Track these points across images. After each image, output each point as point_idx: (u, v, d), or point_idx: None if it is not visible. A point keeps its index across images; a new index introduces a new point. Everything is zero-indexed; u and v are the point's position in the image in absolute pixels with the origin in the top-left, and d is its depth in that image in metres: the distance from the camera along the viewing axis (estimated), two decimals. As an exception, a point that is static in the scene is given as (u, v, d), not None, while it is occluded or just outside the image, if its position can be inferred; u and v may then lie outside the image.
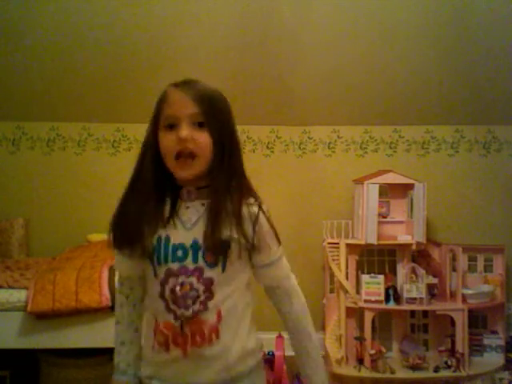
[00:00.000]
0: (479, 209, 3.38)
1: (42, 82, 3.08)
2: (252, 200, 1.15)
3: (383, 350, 2.89)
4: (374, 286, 2.94)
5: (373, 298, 2.92)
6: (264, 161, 3.37)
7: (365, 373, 2.82)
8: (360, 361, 2.88)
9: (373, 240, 2.94)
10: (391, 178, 3.02)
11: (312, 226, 3.30)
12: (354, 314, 2.97)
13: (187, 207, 1.13)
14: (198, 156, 1.09)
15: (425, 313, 3.08)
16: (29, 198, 3.31)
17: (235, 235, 1.10)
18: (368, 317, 2.88)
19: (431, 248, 3.13)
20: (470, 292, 2.96)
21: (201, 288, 1.10)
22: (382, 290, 2.93)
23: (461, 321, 2.84)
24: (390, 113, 3.32)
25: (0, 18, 2.78)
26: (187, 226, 1.12)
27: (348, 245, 3.00)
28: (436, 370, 2.83)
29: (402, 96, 3.20)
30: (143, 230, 1.10)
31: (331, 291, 3.15)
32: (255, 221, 1.13)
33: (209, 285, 1.10)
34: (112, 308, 2.31)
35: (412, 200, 3.03)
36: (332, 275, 3.07)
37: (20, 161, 3.33)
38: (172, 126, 1.09)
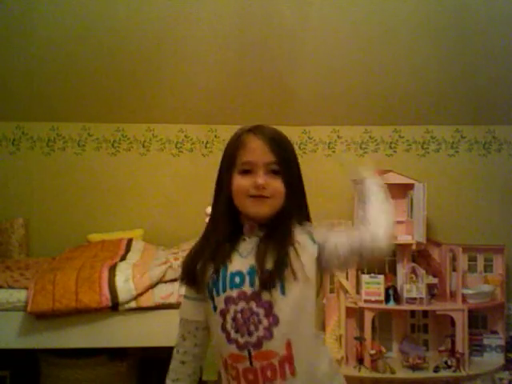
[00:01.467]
0: (479, 209, 3.37)
1: (42, 82, 3.09)
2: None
3: (383, 350, 2.88)
4: (374, 285, 2.94)
5: (373, 298, 2.92)
6: (264, 161, 3.36)
7: (365, 373, 2.82)
8: (360, 361, 2.87)
9: (373, 240, 2.93)
10: (391, 178, 3.01)
11: (312, 226, 3.30)
12: (354, 314, 2.97)
13: (244, 239, 1.18)
14: (271, 199, 1.15)
15: (425, 313, 3.08)
16: (29, 198, 3.31)
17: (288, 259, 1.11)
18: (368, 317, 2.88)
19: (431, 248, 3.13)
20: (470, 292, 2.96)
21: (261, 312, 1.10)
22: (382, 290, 2.93)
23: (461, 321, 2.84)
24: (390, 113, 3.32)
25: (0, 18, 2.78)
26: (243, 255, 1.15)
27: (348, 245, 2.99)
28: (436, 370, 2.83)
29: (402, 96, 3.20)
30: (208, 267, 1.15)
31: (331, 291, 3.15)
32: (310, 230, 1.18)
33: (268, 308, 1.10)
34: (112, 308, 2.32)
35: (412, 200, 3.02)
36: (332, 275, 3.07)
37: (20, 161, 3.33)
38: (247, 171, 1.15)
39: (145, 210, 3.32)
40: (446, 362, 2.84)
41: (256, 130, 1.20)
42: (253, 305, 1.10)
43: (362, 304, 2.91)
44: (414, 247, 2.97)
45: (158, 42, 2.91)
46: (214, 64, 3.02)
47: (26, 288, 2.36)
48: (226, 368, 1.14)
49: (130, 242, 2.94)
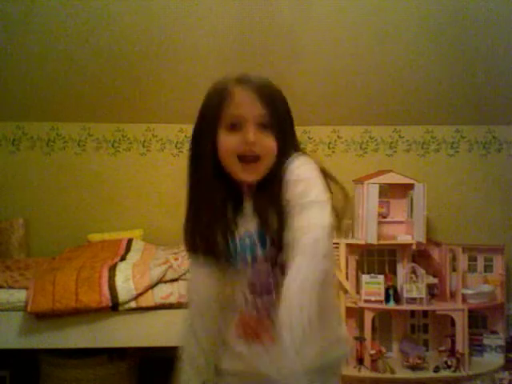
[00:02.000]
0: (479, 209, 3.38)
1: (42, 82, 3.08)
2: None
3: (383, 350, 2.89)
4: (374, 285, 2.94)
5: (373, 298, 2.92)
6: (264, 161, 3.36)
7: (365, 373, 2.82)
8: (360, 361, 2.87)
9: (373, 240, 2.93)
10: (391, 178, 3.01)
11: (312, 226, 3.30)
12: (354, 314, 2.97)
13: (248, 204, 1.09)
14: (262, 159, 1.04)
15: (425, 313, 3.08)
16: (29, 197, 3.31)
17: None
18: (368, 317, 2.88)
19: (431, 248, 3.13)
20: (470, 292, 2.96)
21: (278, 273, 1.03)
22: (382, 290, 2.93)
23: (461, 321, 2.84)
24: (390, 113, 3.32)
25: (0, 18, 2.78)
26: (248, 216, 1.07)
27: (348, 245, 3.00)
28: (436, 370, 2.83)
29: (402, 96, 3.20)
30: (217, 235, 1.07)
31: (331, 291, 3.14)
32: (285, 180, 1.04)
33: (284, 267, 1.00)
34: (112, 308, 2.32)
35: (412, 200, 3.02)
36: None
37: (20, 161, 3.33)
38: (234, 126, 1.04)
39: (145, 209, 3.31)
40: (446, 362, 2.84)
41: (243, 79, 1.08)
42: (268, 268, 1.05)
43: (362, 304, 2.91)
44: (414, 247, 2.97)
45: (158, 42, 2.91)
46: (214, 64, 3.01)
47: (26, 288, 2.36)
48: (239, 327, 1.10)
49: (130, 242, 2.94)
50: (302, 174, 1.03)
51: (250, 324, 1.08)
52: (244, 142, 1.02)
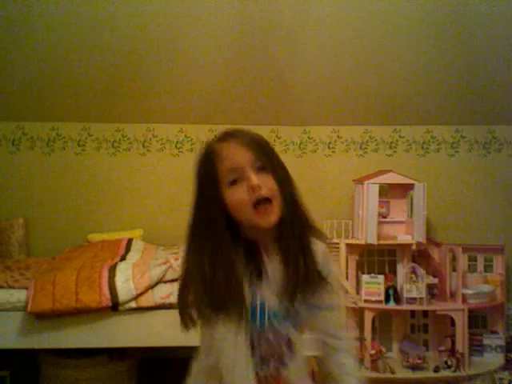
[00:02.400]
0: (479, 209, 3.38)
1: (42, 82, 3.08)
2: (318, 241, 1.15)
3: (383, 350, 2.89)
4: (374, 285, 2.94)
5: (373, 298, 2.92)
6: (264, 161, 3.36)
7: (365, 373, 2.82)
8: (360, 361, 2.87)
9: (373, 240, 2.94)
10: (391, 178, 3.02)
11: (312, 226, 3.30)
12: (354, 314, 2.97)
13: (268, 263, 1.10)
14: (272, 199, 1.06)
15: (425, 313, 3.08)
16: (29, 198, 3.31)
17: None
18: (368, 317, 2.88)
19: (431, 248, 3.13)
20: (470, 292, 2.96)
21: (285, 349, 1.10)
22: (382, 290, 2.93)
23: (461, 321, 2.84)
24: (390, 113, 3.32)
25: (0, 18, 2.78)
26: (274, 288, 1.09)
27: (348, 245, 3.00)
28: (436, 370, 2.83)
29: (402, 96, 3.20)
30: (239, 291, 1.06)
31: (331, 291, 3.14)
32: (325, 260, 1.13)
33: (291, 346, 1.11)
34: (112, 308, 2.32)
35: (412, 200, 3.03)
36: (332, 275, 3.07)
37: (20, 161, 3.33)
38: (235, 181, 1.05)
39: (145, 209, 3.31)
40: (446, 362, 2.84)
41: (224, 137, 1.10)
42: (282, 344, 1.10)
43: (362, 304, 2.91)
44: (414, 247, 2.97)
45: (158, 42, 2.91)
46: (214, 64, 3.02)
47: (26, 288, 2.36)
48: None
49: (129, 242, 2.95)
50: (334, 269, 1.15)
51: None
52: (251, 189, 1.03)
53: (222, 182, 1.06)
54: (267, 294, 1.08)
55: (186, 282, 1.10)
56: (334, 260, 1.16)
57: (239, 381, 1.06)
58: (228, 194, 1.05)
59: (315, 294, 1.11)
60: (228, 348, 1.06)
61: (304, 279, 1.07)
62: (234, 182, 1.05)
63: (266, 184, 1.05)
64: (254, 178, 1.03)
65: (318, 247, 1.13)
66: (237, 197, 1.04)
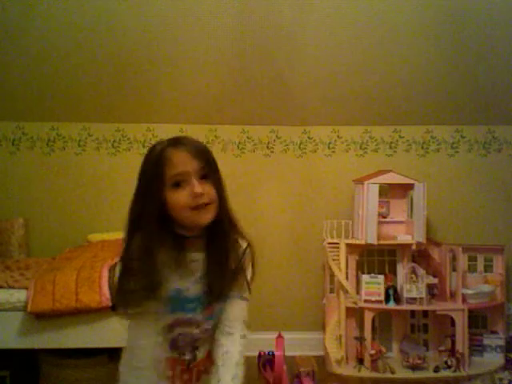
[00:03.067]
0: (479, 209, 3.38)
1: (42, 82, 3.08)
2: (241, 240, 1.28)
3: (383, 350, 2.89)
4: (373, 285, 2.94)
5: (373, 298, 2.92)
6: (264, 161, 3.36)
7: (365, 373, 2.83)
8: (360, 361, 2.88)
9: (373, 240, 2.94)
10: (391, 178, 3.02)
11: (312, 226, 3.30)
12: (354, 314, 2.97)
13: (192, 258, 1.22)
14: (211, 204, 1.20)
15: (425, 313, 3.08)
16: (29, 197, 3.31)
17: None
18: (368, 317, 2.88)
19: (431, 248, 3.13)
20: (470, 292, 2.96)
21: (202, 336, 1.26)
22: (382, 290, 2.93)
23: (461, 321, 2.84)
24: (390, 113, 3.31)
25: (0, 18, 2.78)
26: (197, 278, 1.22)
27: (348, 245, 3.00)
28: (436, 370, 2.83)
29: (402, 96, 3.20)
30: (161, 280, 1.17)
31: (331, 291, 3.15)
32: (242, 256, 1.26)
33: (210, 331, 1.26)
34: (112, 308, 2.32)
35: (412, 200, 3.03)
36: (332, 275, 3.07)
37: (20, 161, 3.33)
38: (178, 184, 1.17)
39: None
40: (446, 362, 2.84)
41: (175, 143, 1.21)
42: (195, 330, 1.24)
43: (362, 304, 2.91)
44: (414, 247, 2.98)
45: (158, 42, 2.91)
46: (214, 64, 3.01)
47: (26, 288, 2.36)
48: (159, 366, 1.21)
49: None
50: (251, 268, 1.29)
51: (167, 365, 1.23)
52: (193, 195, 1.16)
53: (166, 183, 1.17)
54: (186, 283, 1.20)
55: (123, 267, 1.21)
56: (250, 261, 1.29)
57: (150, 364, 1.17)
58: (170, 196, 1.17)
59: (232, 285, 1.25)
60: (143, 333, 1.19)
61: (227, 271, 1.22)
62: (177, 185, 1.17)
63: (207, 191, 1.18)
64: (198, 187, 1.16)
65: (243, 245, 1.28)
66: (179, 199, 1.17)
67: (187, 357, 1.25)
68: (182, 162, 1.17)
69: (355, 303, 2.92)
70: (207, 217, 1.18)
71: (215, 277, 1.21)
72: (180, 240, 1.21)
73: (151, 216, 1.18)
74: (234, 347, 1.24)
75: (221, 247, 1.22)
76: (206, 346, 1.28)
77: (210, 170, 1.20)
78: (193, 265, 1.21)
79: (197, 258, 1.22)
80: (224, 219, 1.22)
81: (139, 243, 1.18)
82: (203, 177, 1.19)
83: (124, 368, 1.22)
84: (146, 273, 1.15)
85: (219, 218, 1.21)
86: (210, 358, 1.27)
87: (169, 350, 1.23)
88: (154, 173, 1.18)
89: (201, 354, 1.27)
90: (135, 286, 1.15)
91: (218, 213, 1.21)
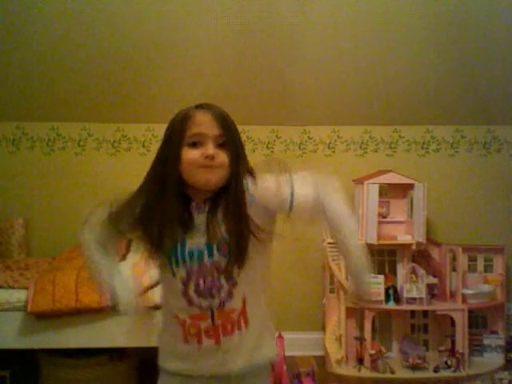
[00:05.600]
0: (479, 209, 3.38)
1: (42, 82, 3.08)
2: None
3: (383, 350, 2.89)
4: (374, 285, 2.94)
5: (373, 298, 2.92)
6: (264, 161, 3.36)
7: (365, 373, 2.83)
8: (360, 361, 2.88)
9: (373, 240, 2.94)
10: (391, 178, 3.02)
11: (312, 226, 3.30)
12: (354, 314, 2.97)
13: (197, 217, 1.22)
14: (219, 169, 1.19)
15: (425, 313, 3.08)
16: (29, 197, 3.31)
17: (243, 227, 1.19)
18: (368, 317, 2.88)
19: (431, 248, 3.13)
20: (470, 292, 2.96)
21: (222, 278, 1.20)
22: (382, 290, 2.93)
23: (461, 321, 2.84)
24: (390, 113, 3.32)
25: (0, 18, 2.78)
26: (201, 231, 1.21)
27: (348, 245, 2.99)
28: (436, 370, 2.83)
29: (401, 96, 3.20)
30: (165, 231, 1.19)
31: (331, 291, 3.15)
32: (258, 190, 1.22)
33: (229, 275, 1.20)
34: (112, 308, 2.32)
35: (412, 200, 3.03)
36: (332, 275, 3.07)
37: (20, 161, 3.33)
38: (195, 144, 1.19)
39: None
40: (446, 362, 2.84)
41: (203, 106, 1.24)
42: (214, 273, 1.20)
43: (362, 304, 2.91)
44: (414, 247, 2.97)
45: (158, 42, 2.91)
46: (214, 64, 3.02)
47: (26, 288, 2.36)
48: (184, 326, 1.23)
49: (130, 241, 2.94)
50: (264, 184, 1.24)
51: (197, 324, 1.21)
52: (204, 156, 1.17)
53: (185, 141, 1.19)
54: (194, 237, 1.21)
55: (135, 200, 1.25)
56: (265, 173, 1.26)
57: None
58: (185, 153, 1.19)
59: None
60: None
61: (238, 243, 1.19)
62: (193, 145, 1.19)
63: (219, 157, 1.19)
64: (211, 149, 1.18)
65: (250, 185, 1.23)
66: (191, 156, 1.18)
67: (214, 302, 1.21)
68: (203, 124, 1.19)
69: (355, 303, 2.92)
70: (213, 177, 1.18)
71: (214, 225, 1.20)
72: (187, 200, 1.22)
73: (172, 170, 1.20)
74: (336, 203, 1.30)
75: (229, 203, 1.20)
76: (238, 291, 1.22)
77: (228, 139, 1.21)
78: (196, 220, 1.21)
79: (201, 214, 1.22)
80: (233, 188, 1.20)
81: (157, 199, 1.20)
82: (221, 144, 1.20)
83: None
84: (154, 218, 1.19)
85: (229, 186, 1.20)
86: (243, 310, 1.23)
87: (187, 306, 1.21)
88: (177, 129, 1.21)
89: (234, 302, 1.22)
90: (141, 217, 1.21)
91: (229, 182, 1.20)
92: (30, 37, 2.86)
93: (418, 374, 2.82)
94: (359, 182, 3.08)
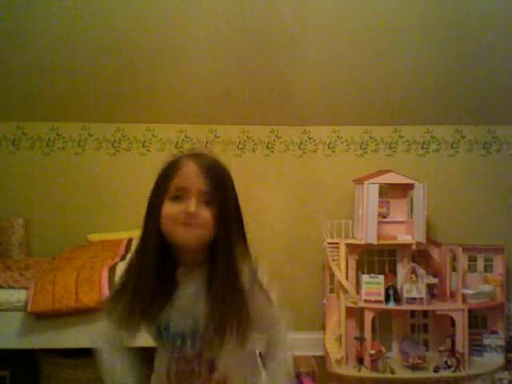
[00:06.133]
0: (479, 209, 3.38)
1: (42, 82, 3.08)
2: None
3: (383, 350, 2.89)
4: (373, 286, 2.94)
5: (373, 298, 2.92)
6: (264, 161, 3.37)
7: (365, 373, 2.83)
8: (360, 361, 2.88)
9: (373, 240, 2.94)
10: (391, 178, 3.02)
11: (312, 226, 3.30)
12: (354, 314, 2.97)
13: (184, 289, 1.13)
14: (200, 228, 1.09)
15: (425, 313, 3.08)
16: (29, 197, 3.31)
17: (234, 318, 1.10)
18: (368, 317, 2.88)
19: (431, 248, 3.13)
20: (470, 292, 2.96)
21: (202, 369, 1.15)
22: (382, 290, 2.93)
23: (461, 321, 2.84)
24: (390, 113, 3.31)
25: (1, 18, 2.78)
26: (183, 310, 1.13)
27: (348, 245, 3.00)
28: (436, 370, 2.83)
29: (401, 96, 3.20)
30: (147, 310, 1.13)
31: (331, 291, 3.15)
32: (251, 278, 1.13)
33: (210, 365, 1.15)
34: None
35: (412, 200, 3.03)
36: (332, 275, 3.07)
37: (20, 161, 3.33)
38: (177, 198, 1.08)
39: (145, 209, 3.30)
40: (446, 362, 2.84)
41: (194, 156, 1.14)
42: (194, 365, 1.15)
43: (362, 304, 2.91)
44: (414, 247, 2.97)
45: (158, 42, 2.91)
46: (214, 64, 3.02)
47: (26, 288, 2.36)
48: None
49: (129, 242, 2.94)
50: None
51: None
52: (185, 212, 1.07)
53: (168, 193, 1.09)
54: (176, 316, 1.13)
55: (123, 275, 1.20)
56: (262, 268, 1.16)
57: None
58: (165, 207, 1.09)
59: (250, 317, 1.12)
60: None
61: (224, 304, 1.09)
62: (176, 199, 1.08)
63: (201, 215, 1.08)
64: (194, 207, 1.07)
65: (245, 268, 1.13)
66: (171, 211, 1.08)
67: None
68: (188, 177, 1.09)
69: (355, 303, 2.92)
70: (191, 236, 1.07)
71: (211, 312, 1.10)
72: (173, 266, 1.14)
73: (151, 227, 1.11)
74: (280, 352, 1.25)
75: (221, 285, 1.09)
76: (218, 373, 1.17)
77: (215, 197, 1.09)
78: (182, 295, 1.13)
79: (189, 286, 1.13)
80: (221, 261, 1.09)
81: (138, 259, 1.14)
82: (205, 201, 1.08)
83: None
84: (131, 292, 1.13)
85: (217, 255, 1.09)
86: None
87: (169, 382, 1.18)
88: (161, 180, 1.12)
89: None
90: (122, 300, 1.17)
91: (218, 249, 1.09)
92: (30, 37, 2.86)
93: (418, 374, 2.82)
94: (359, 182, 3.08)
